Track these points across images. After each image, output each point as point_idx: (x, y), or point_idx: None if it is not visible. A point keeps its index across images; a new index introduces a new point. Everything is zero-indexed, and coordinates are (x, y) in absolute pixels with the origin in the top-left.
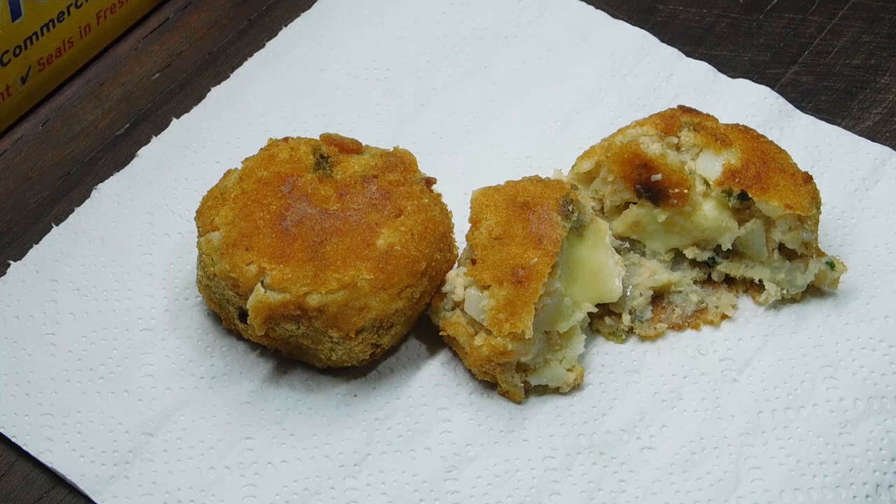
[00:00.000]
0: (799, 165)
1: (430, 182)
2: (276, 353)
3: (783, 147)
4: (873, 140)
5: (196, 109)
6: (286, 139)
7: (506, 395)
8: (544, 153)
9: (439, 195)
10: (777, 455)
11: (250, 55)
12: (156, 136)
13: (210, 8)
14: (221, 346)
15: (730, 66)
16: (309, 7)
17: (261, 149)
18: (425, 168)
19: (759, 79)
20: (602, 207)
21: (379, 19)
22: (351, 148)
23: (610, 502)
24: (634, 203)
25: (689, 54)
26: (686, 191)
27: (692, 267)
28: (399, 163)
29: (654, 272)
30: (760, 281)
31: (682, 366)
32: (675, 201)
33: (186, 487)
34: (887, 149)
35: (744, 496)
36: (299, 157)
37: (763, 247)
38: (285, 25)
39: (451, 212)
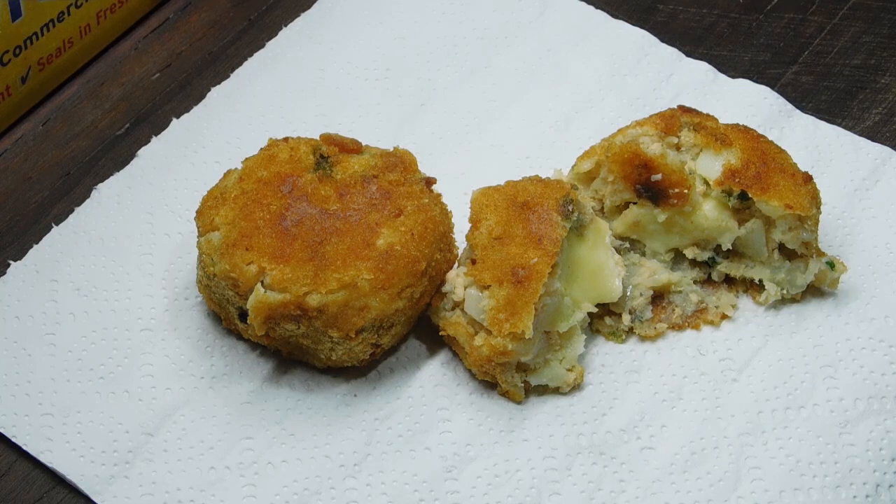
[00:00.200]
0: (799, 165)
1: (430, 182)
2: (276, 353)
3: (783, 147)
4: (873, 140)
5: (196, 109)
6: (286, 139)
7: (506, 395)
8: (544, 153)
9: (439, 195)
10: (777, 455)
11: (250, 55)
12: (156, 136)
13: (210, 8)
14: (221, 346)
15: (730, 66)
16: (309, 7)
17: (261, 149)
18: (425, 168)
19: (759, 79)
20: (602, 207)
21: (379, 19)
22: (351, 148)
23: (610, 502)
24: (634, 203)
25: (689, 54)
26: (686, 191)
27: (692, 267)
28: (399, 163)
29: (654, 272)
30: (760, 281)
31: (682, 366)
32: (675, 201)
33: (186, 487)
34: (887, 149)
35: (744, 496)
36: (299, 157)
37: (763, 247)
38: (285, 25)
39: (451, 212)
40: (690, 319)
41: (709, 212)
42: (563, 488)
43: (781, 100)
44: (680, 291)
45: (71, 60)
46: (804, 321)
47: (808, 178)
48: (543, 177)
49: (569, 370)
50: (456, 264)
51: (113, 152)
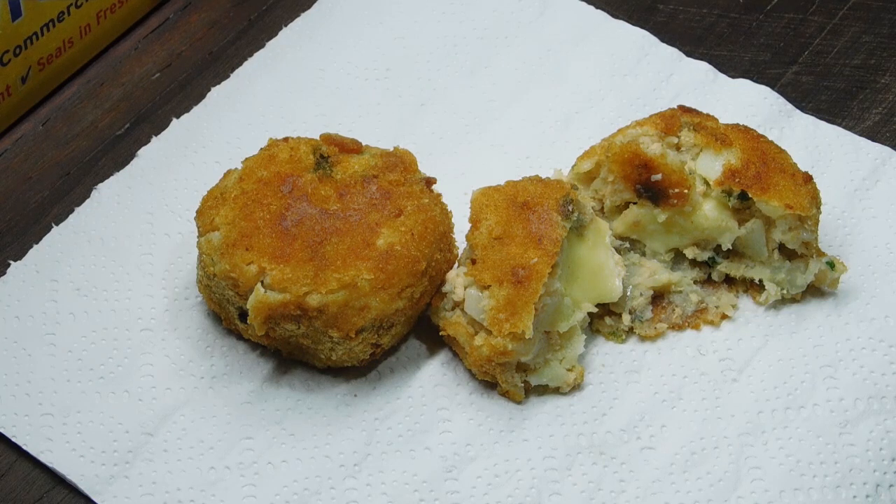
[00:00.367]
0: (799, 165)
1: (430, 182)
2: (276, 353)
3: (783, 147)
4: (873, 140)
5: (196, 109)
6: (286, 139)
7: (506, 395)
8: (544, 153)
9: (439, 195)
10: (777, 455)
11: (250, 55)
12: (156, 136)
13: (210, 8)
14: (221, 346)
15: (730, 66)
16: (309, 7)
17: (261, 149)
18: (425, 168)
19: (759, 79)
20: (602, 207)
21: (379, 19)
22: (351, 148)
23: (610, 502)
24: (634, 203)
25: (689, 54)
26: (686, 191)
27: (692, 267)
28: (399, 163)
29: (654, 272)
30: (760, 281)
31: (682, 366)
32: (675, 201)
33: (186, 487)
34: (887, 149)
35: (744, 496)
36: (299, 157)
37: (763, 247)
38: (285, 25)
39: (451, 212)
40: (690, 319)
41: (709, 212)
42: (563, 488)
43: (781, 100)
44: (680, 291)
45: (71, 60)
46: (804, 321)
47: (808, 178)
48: (543, 177)
49: (569, 370)
50: (456, 264)
51: (113, 152)
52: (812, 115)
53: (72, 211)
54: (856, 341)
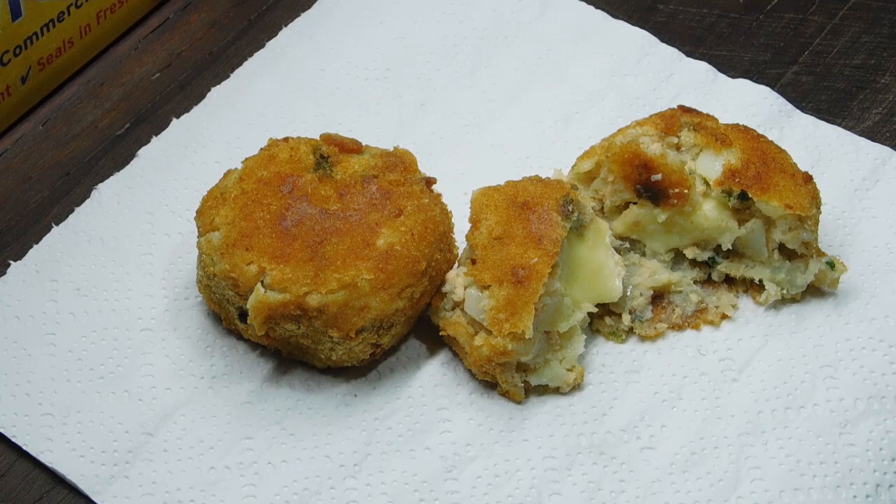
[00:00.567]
0: (799, 165)
1: (430, 182)
2: (276, 353)
3: (783, 147)
4: (873, 140)
5: (196, 109)
6: (286, 139)
7: (506, 395)
8: (544, 153)
9: (439, 195)
10: (777, 455)
11: (250, 55)
12: (156, 136)
13: (210, 8)
14: (221, 346)
15: (730, 66)
16: (309, 7)
17: (261, 149)
18: (425, 168)
19: (759, 79)
20: (602, 207)
21: (379, 19)
22: (351, 148)
23: (610, 502)
24: (634, 203)
25: (689, 54)
26: (686, 191)
27: (692, 267)
28: (399, 163)
29: (654, 272)
30: (760, 281)
31: (682, 366)
32: (675, 201)
33: (186, 487)
34: (887, 149)
35: (744, 496)
36: (299, 157)
37: (763, 247)
38: (285, 25)
39: (451, 212)
40: (690, 319)
41: (709, 212)
42: (563, 488)
43: (781, 100)
44: (680, 291)
45: (71, 60)
46: (804, 321)
47: (808, 178)
48: (543, 177)
49: (569, 370)
50: (456, 264)
51: (113, 152)
52: (812, 115)
53: (72, 211)
54: (856, 341)
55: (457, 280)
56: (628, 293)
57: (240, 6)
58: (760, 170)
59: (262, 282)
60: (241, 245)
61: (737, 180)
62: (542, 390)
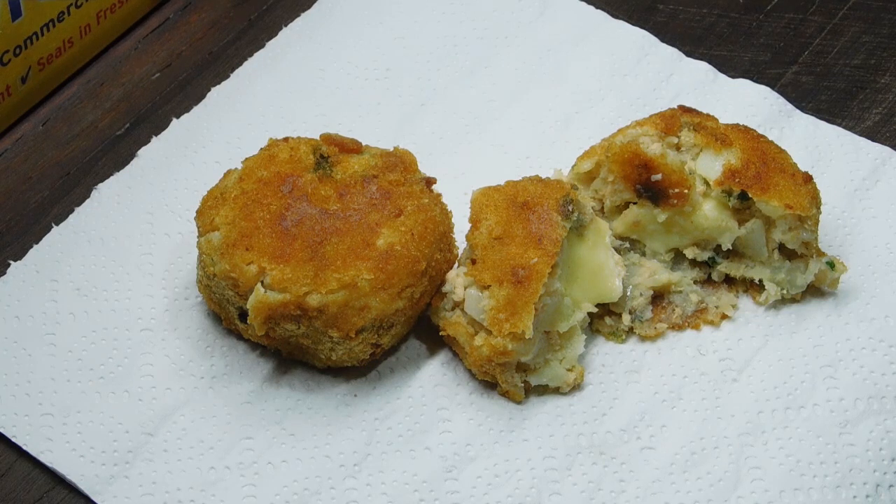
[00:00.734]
0: (799, 165)
1: (430, 182)
2: (276, 353)
3: (783, 147)
4: (873, 140)
5: (196, 109)
6: (286, 139)
7: (506, 395)
8: (544, 153)
9: (439, 195)
10: (777, 455)
11: (250, 55)
12: (156, 136)
13: (210, 8)
14: (221, 346)
15: (730, 66)
16: (309, 7)
17: (261, 149)
18: (425, 168)
19: (759, 79)
20: (602, 207)
21: (379, 19)
22: (351, 148)
23: (610, 502)
24: (634, 203)
25: (689, 54)
26: (686, 191)
27: (692, 267)
28: (399, 163)
29: (654, 272)
30: (760, 281)
31: (682, 366)
32: (675, 201)
33: (186, 487)
34: (887, 149)
35: (744, 496)
36: (299, 157)
37: (763, 247)
38: (285, 25)
39: (451, 212)
40: (690, 319)
41: (709, 212)
42: (563, 488)
43: (781, 100)
44: (680, 291)
45: (71, 60)
46: (804, 321)
47: (808, 178)
48: (543, 177)
49: (569, 370)
50: (456, 264)
51: (113, 152)
52: (812, 115)
53: (72, 211)
54: (856, 341)
55: (457, 280)
56: (628, 293)
57: (240, 6)
58: (760, 170)
59: (262, 282)
60: (241, 245)
61: (737, 180)
62: (542, 390)
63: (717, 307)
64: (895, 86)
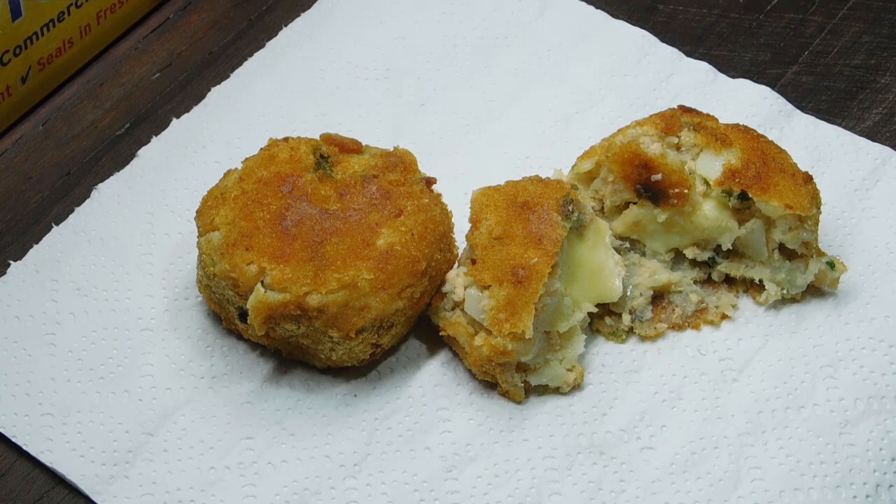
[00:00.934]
0: (799, 165)
1: (430, 182)
2: (276, 353)
3: (783, 147)
4: (873, 140)
5: (196, 109)
6: (286, 139)
7: (506, 395)
8: (544, 153)
9: (439, 195)
10: (777, 455)
11: (250, 55)
12: (156, 136)
13: (210, 8)
14: (221, 346)
15: (730, 66)
16: (309, 7)
17: (261, 149)
18: (425, 168)
19: (759, 79)
20: (602, 207)
21: (379, 19)
22: (351, 148)
23: (610, 502)
24: (634, 203)
25: (689, 54)
26: (686, 191)
27: (692, 267)
28: (399, 163)
29: (654, 272)
30: (760, 281)
31: (682, 366)
32: (675, 201)
33: (186, 487)
34: (887, 149)
35: (744, 496)
36: (299, 157)
37: (763, 247)
38: (285, 25)
39: (451, 212)
40: (690, 319)
41: (709, 212)
42: (563, 488)
43: (781, 100)
44: (680, 291)
45: (71, 60)
46: (804, 321)
47: (808, 178)
48: (543, 177)
49: (569, 370)
50: (456, 264)
51: (113, 152)
52: (812, 115)
53: (72, 211)
54: (856, 341)
55: (457, 280)
56: (628, 293)
57: (240, 6)
58: (760, 170)
59: (262, 282)
60: (241, 245)
61: (737, 180)
62: (542, 390)
63: (717, 307)
64: (895, 86)
